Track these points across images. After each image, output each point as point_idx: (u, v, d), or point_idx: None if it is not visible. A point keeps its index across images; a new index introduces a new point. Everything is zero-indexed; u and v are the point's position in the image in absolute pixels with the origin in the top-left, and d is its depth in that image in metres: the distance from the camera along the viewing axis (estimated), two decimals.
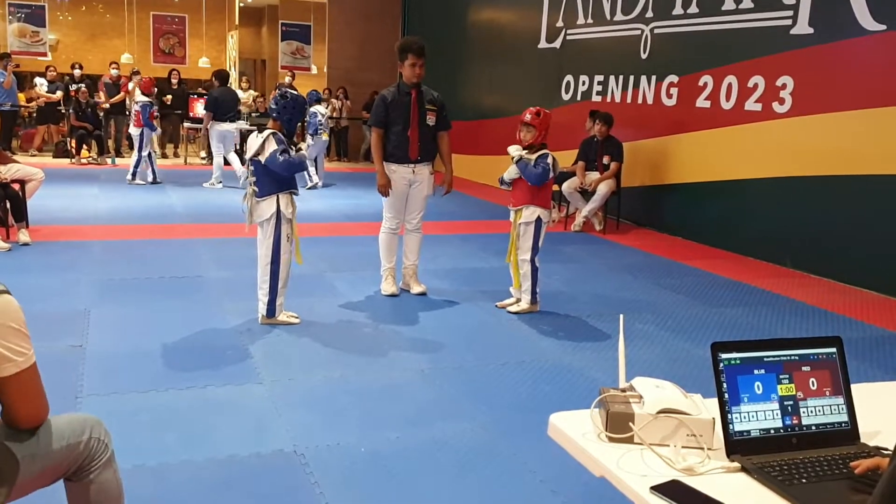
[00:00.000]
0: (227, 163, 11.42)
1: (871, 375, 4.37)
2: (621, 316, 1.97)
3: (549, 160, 5.16)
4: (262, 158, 4.66)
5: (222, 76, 11.57)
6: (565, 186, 8.75)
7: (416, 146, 5.59)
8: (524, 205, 5.25)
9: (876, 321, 5.58)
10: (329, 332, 4.87)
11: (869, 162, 6.39)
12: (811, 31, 6.90)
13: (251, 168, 4.76)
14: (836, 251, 6.71)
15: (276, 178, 4.71)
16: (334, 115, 15.85)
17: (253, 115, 14.64)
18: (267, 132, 4.70)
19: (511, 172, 5.28)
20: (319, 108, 11.32)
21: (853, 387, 1.89)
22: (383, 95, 5.67)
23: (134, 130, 11.09)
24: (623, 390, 1.80)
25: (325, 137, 11.51)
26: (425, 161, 5.66)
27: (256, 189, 4.74)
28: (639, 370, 1.97)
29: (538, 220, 5.23)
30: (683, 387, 1.82)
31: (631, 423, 1.67)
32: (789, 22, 7.10)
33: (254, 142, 4.75)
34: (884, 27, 6.28)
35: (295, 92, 4.92)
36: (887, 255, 6.26)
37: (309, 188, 11.10)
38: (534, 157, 5.16)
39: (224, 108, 11.28)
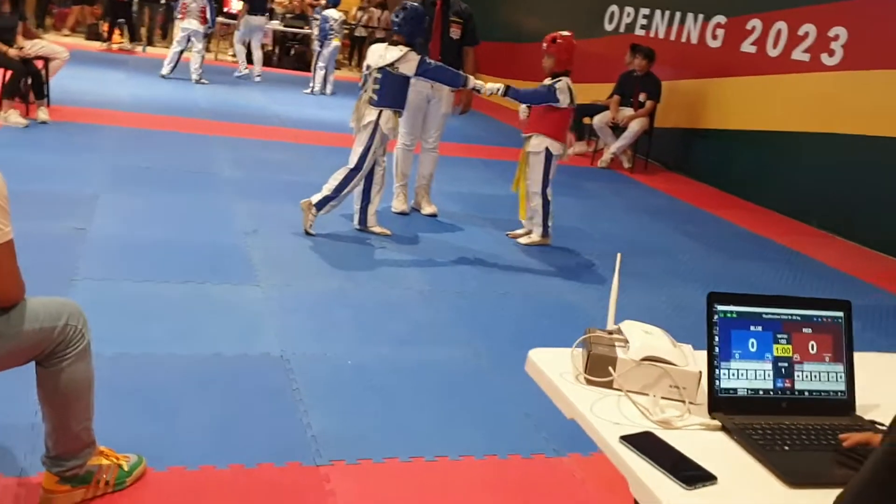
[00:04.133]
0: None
1: (885, 346, 4.24)
2: (619, 254, 1.86)
3: (561, 86, 4.93)
4: (402, 68, 4.68)
5: None
6: (596, 120, 8.51)
7: (437, 60, 5.37)
8: (533, 133, 5.06)
9: None
10: (333, 244, 4.80)
11: None
12: None
13: (376, 76, 4.73)
14: (868, 216, 6.47)
15: (394, 93, 4.74)
16: (371, 24, 15.49)
17: (288, 16, 14.34)
18: (402, 48, 4.72)
19: (522, 111, 5.12)
20: (332, 13, 10.94)
21: (857, 355, 1.77)
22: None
23: (196, 26, 10.71)
24: (610, 332, 1.70)
25: (335, 42, 11.12)
26: None
27: (374, 97, 4.73)
28: (638, 314, 1.87)
29: (547, 152, 5.04)
30: (681, 337, 1.71)
31: (611, 368, 1.57)
32: None
33: (382, 52, 4.78)
34: None
35: (413, 4, 4.88)
36: None
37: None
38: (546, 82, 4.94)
39: (258, 1, 11.45)
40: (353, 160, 4.78)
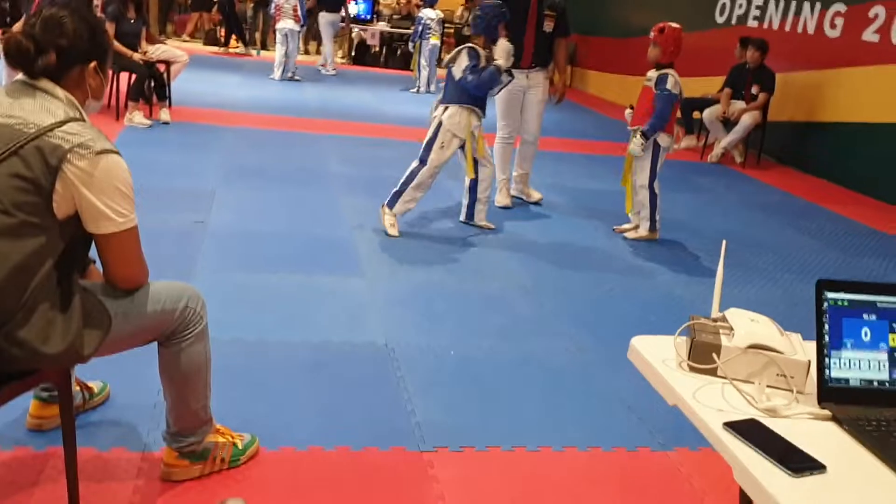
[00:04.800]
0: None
1: None
2: (724, 241, 1.82)
3: (671, 81, 4.84)
4: (454, 69, 4.72)
5: None
6: (706, 114, 8.28)
7: (531, 53, 5.43)
8: (639, 126, 4.97)
9: None
10: (437, 237, 4.86)
11: None
12: None
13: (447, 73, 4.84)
14: None
15: (460, 90, 4.72)
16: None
17: (394, 17, 14.58)
18: (465, 46, 4.76)
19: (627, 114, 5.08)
20: (428, 12, 11.03)
21: None
22: None
23: (292, 25, 11.08)
24: (715, 320, 1.67)
25: (433, 41, 11.19)
26: (539, 67, 5.53)
27: (442, 94, 4.83)
28: (749, 306, 1.82)
29: (655, 144, 4.95)
30: (797, 332, 1.67)
31: (715, 355, 1.54)
32: None
33: (455, 52, 4.85)
34: None
35: (489, 2, 4.87)
36: None
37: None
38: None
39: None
40: (419, 153, 4.79)
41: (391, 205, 4.78)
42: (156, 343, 2.16)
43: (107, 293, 2.03)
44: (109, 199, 1.90)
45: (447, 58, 4.88)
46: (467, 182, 4.98)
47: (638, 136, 4.92)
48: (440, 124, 4.73)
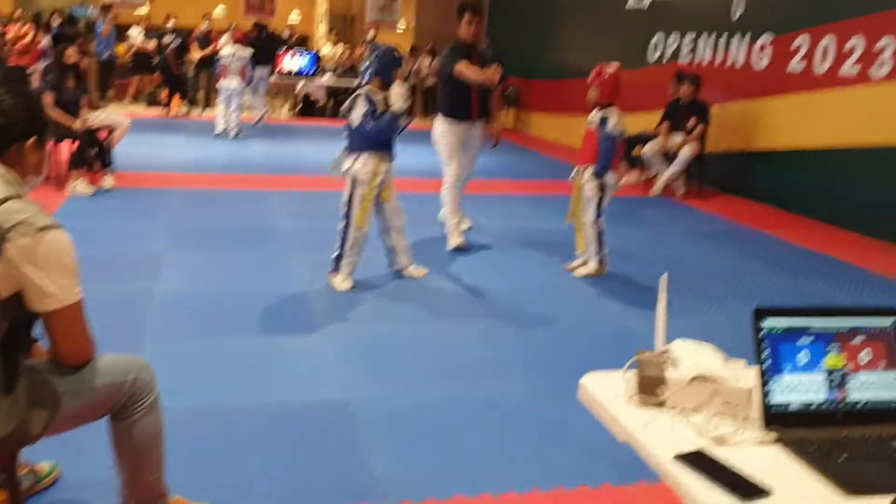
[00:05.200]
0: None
1: None
2: (664, 275, 1.86)
3: (614, 117, 4.96)
4: (352, 118, 4.61)
5: (260, 26, 12.91)
6: (647, 148, 8.49)
7: (477, 106, 5.72)
8: (587, 164, 5.08)
9: None
10: (390, 286, 4.87)
11: None
12: None
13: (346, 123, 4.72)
14: None
15: (363, 138, 4.61)
16: (422, 72, 15.76)
17: (339, 69, 14.72)
18: (361, 91, 4.65)
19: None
20: None
21: None
22: (452, 48, 5.69)
23: (236, 84, 11.14)
24: (660, 353, 1.71)
25: None
26: (482, 117, 5.84)
27: (346, 141, 4.71)
28: (700, 334, 1.87)
29: (600, 182, 5.06)
30: (744, 356, 1.71)
31: (662, 388, 1.58)
32: None
33: (350, 100, 4.70)
34: None
35: (383, 44, 4.89)
36: None
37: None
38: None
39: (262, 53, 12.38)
40: (341, 210, 4.69)
41: (336, 269, 4.77)
42: (107, 417, 2.13)
43: (54, 371, 2.00)
44: (53, 274, 1.89)
45: (343, 107, 4.75)
46: (377, 230, 4.89)
47: (589, 176, 5.03)
48: (354, 178, 4.63)
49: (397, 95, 4.59)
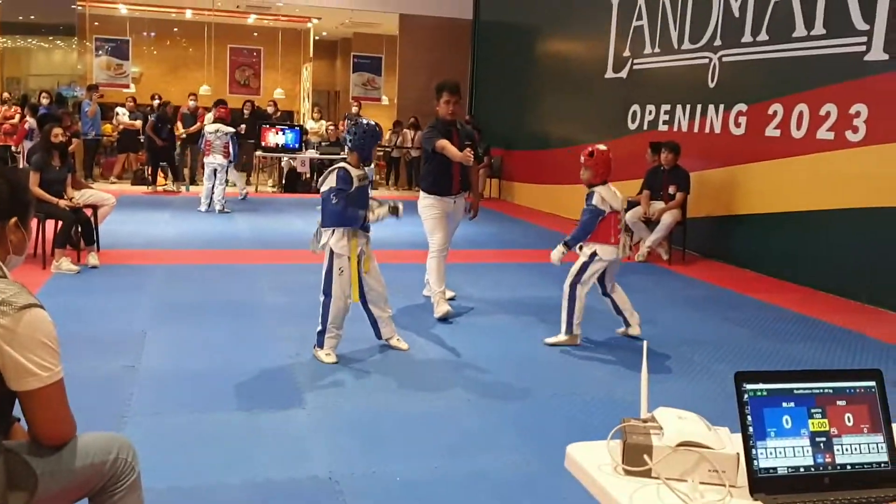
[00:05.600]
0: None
1: None
2: (645, 342, 1.87)
3: (595, 198, 5.03)
4: (323, 190, 4.63)
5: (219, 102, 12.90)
6: (629, 216, 8.58)
7: (458, 181, 5.88)
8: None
9: None
10: (377, 358, 4.84)
11: None
12: (885, 57, 6.63)
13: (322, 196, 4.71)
14: None
15: (330, 213, 4.62)
16: (405, 145, 16.00)
17: (323, 143, 14.90)
18: (337, 166, 4.67)
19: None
20: None
21: None
22: (432, 126, 5.89)
23: (220, 160, 11.25)
24: (645, 420, 1.70)
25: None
26: (464, 191, 5.99)
27: (321, 218, 4.71)
28: (692, 404, 1.87)
29: (592, 254, 5.09)
30: (732, 422, 1.71)
31: (647, 456, 1.57)
32: (863, 48, 6.84)
33: (326, 172, 4.73)
34: None
35: (365, 119, 4.86)
36: None
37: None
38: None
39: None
40: (322, 285, 4.68)
41: (320, 344, 4.74)
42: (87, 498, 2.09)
43: (32, 452, 1.97)
44: (33, 354, 1.87)
45: (320, 179, 4.76)
46: (360, 302, 4.88)
47: (560, 245, 5.08)
48: (331, 251, 4.64)
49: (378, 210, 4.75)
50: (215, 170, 11.13)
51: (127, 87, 17.09)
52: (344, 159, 4.79)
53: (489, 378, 4.58)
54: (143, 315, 5.58)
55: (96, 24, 18.11)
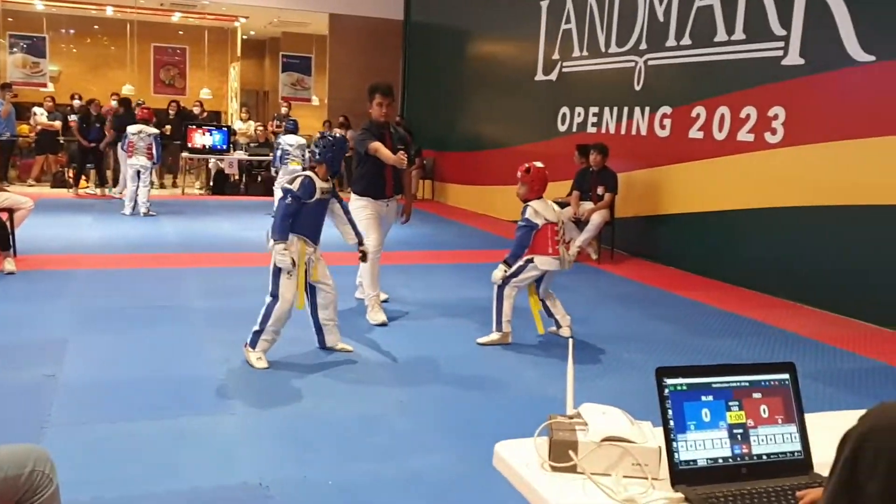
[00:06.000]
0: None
1: (856, 405, 4.26)
2: (570, 340, 1.90)
3: (529, 212, 5.12)
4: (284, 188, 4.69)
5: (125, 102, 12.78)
6: None
7: (391, 184, 5.87)
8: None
9: (869, 353, 5.48)
10: (308, 363, 4.79)
11: (860, 192, 6.33)
12: (802, 61, 6.88)
13: None
14: (830, 282, 6.62)
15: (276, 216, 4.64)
16: None
17: (252, 145, 14.69)
18: (304, 174, 4.70)
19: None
20: (288, 138, 11.19)
21: (820, 415, 1.82)
22: (366, 128, 5.86)
23: (144, 162, 11.00)
24: (570, 417, 1.73)
25: (293, 166, 11.29)
26: (396, 195, 5.99)
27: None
28: (621, 400, 1.91)
29: (528, 261, 5.14)
30: (657, 418, 1.74)
31: (573, 452, 1.59)
32: (780, 53, 7.09)
33: (293, 177, 4.75)
34: (873, 58, 6.26)
35: (334, 134, 4.91)
36: (882, 286, 6.17)
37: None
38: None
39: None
40: (270, 290, 4.65)
41: (253, 344, 4.66)
42: None
43: None
44: None
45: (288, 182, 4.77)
46: (308, 309, 4.89)
47: (500, 264, 5.16)
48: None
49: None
50: (139, 171, 10.87)
51: (44, 85, 16.56)
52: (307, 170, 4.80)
53: (422, 379, 4.58)
54: (64, 322, 5.41)
55: (10, 19, 17.51)
